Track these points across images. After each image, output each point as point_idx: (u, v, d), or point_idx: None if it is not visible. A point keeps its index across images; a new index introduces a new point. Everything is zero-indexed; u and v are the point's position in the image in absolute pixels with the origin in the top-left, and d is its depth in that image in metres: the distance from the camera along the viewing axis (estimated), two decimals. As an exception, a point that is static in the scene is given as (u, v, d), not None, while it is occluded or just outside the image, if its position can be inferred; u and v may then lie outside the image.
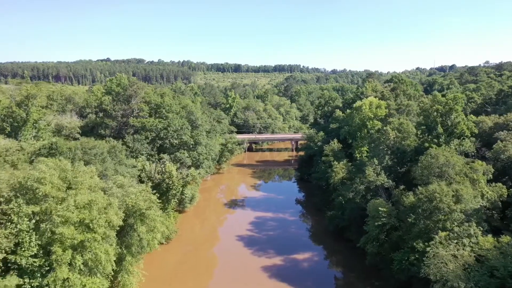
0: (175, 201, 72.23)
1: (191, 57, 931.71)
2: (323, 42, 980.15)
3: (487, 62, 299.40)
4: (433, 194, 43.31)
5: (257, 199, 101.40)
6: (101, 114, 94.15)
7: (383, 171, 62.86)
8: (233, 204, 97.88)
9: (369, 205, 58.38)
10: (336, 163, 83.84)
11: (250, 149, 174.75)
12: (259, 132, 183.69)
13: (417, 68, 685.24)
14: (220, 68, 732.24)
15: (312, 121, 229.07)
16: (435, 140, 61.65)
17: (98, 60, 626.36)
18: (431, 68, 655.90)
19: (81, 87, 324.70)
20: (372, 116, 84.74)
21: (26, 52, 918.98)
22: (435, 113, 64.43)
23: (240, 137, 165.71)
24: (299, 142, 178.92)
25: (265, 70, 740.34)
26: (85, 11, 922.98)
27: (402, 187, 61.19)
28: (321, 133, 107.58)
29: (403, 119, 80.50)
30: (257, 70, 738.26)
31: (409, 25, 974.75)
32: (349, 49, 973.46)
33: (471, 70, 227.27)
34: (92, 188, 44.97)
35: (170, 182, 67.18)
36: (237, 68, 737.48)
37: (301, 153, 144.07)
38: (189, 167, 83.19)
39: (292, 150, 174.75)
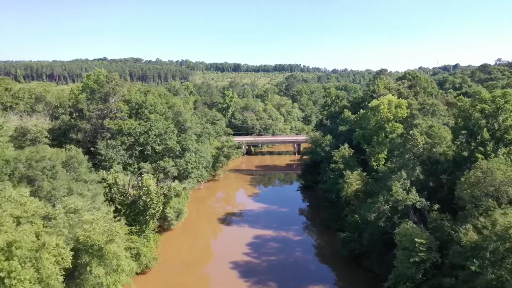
0: (155, 222, 59.24)
1: (190, 57, 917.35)
2: (324, 41, 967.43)
3: (499, 59, 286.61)
4: (508, 231, 30.35)
5: (256, 212, 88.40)
6: (76, 115, 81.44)
7: (414, 187, 49.93)
8: (229, 218, 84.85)
9: (399, 232, 45.49)
10: (349, 172, 71.02)
11: (248, 153, 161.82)
12: (259, 134, 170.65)
13: (420, 68, 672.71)
14: (219, 68, 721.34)
15: (314, 122, 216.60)
16: (481, 149, 48.63)
17: (94, 60, 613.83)
18: (434, 68, 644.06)
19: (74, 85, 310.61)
20: (392, 117, 71.81)
21: (21, 51, 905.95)
22: (477, 114, 51.46)
23: (237, 139, 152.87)
24: (302, 144, 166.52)
25: (265, 69, 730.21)
26: (82, 9, 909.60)
27: (436, 206, 48.39)
28: (329, 136, 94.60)
29: (429, 120, 67.65)
30: (256, 69, 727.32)
31: (410, 25, 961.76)
32: (350, 49, 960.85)
33: (483, 68, 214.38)
34: (23, 219, 31.99)
35: (148, 200, 54.21)
36: (236, 68, 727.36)
37: (304, 157, 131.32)
38: (175, 178, 70.21)
39: (294, 154, 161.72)
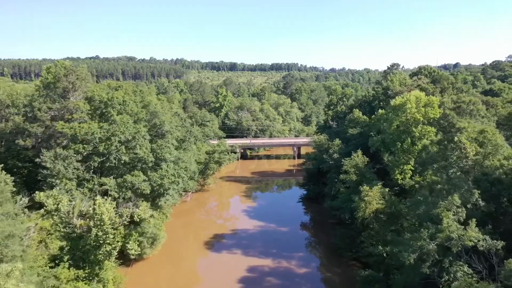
0: (111, 262, 44.17)
1: (185, 55, 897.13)
2: (321, 40, 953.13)
3: (510, 56, 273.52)
4: None
5: (251, 233, 73.56)
6: (30, 116, 66.31)
7: (473, 219, 35.29)
8: (218, 242, 69.80)
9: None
10: (367, 188, 56.47)
11: (244, 156, 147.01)
12: (255, 136, 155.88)
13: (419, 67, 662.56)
14: (215, 67, 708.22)
15: (315, 122, 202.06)
16: None
17: (86, 58, 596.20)
18: (434, 66, 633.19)
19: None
20: (421, 118, 57.13)
21: (10, 49, 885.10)
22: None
23: (231, 142, 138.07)
24: (302, 147, 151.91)
25: (261, 68, 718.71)
26: (75, 7, 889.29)
27: (499, 244, 33.89)
28: (337, 141, 79.91)
29: (471, 123, 53.12)
30: (253, 68, 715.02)
31: (409, 24, 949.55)
32: (348, 48, 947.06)
33: (495, 65, 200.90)
34: None
35: (101, 233, 39.22)
36: (232, 67, 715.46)
37: (304, 160, 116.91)
38: (147, 196, 55.15)
39: (294, 158, 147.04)
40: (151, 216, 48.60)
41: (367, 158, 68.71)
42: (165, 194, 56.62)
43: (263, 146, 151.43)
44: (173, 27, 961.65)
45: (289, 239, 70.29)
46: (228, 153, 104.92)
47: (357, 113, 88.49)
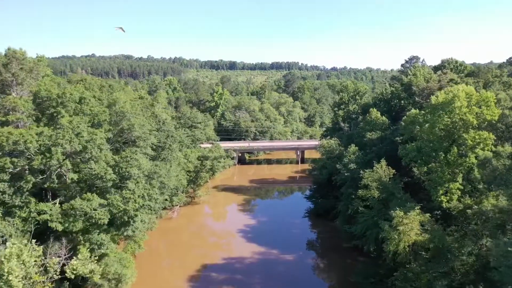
0: None
1: (184, 54, 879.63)
2: (322, 38, 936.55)
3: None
4: None
5: (247, 264, 59.06)
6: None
7: None
8: (205, 276, 55.26)
9: None
10: (400, 213, 42.28)
11: (241, 161, 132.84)
12: (254, 139, 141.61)
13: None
14: (214, 65, 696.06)
15: (319, 123, 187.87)
16: None
17: (82, 56, 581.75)
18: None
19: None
20: (474, 121, 42.71)
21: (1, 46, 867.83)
22: None
23: (228, 145, 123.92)
24: (306, 151, 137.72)
25: (261, 67, 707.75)
26: (70, 5, 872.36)
27: None
28: (353, 147, 65.57)
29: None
30: (253, 67, 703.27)
31: (410, 23, 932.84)
32: (349, 47, 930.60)
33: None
34: None
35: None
36: (232, 66, 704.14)
37: (309, 165, 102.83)
38: (107, 226, 40.81)
39: (297, 162, 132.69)
40: (92, 272, 34.19)
41: (393, 170, 54.70)
42: (131, 223, 42.27)
43: (263, 149, 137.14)
44: (171, 24, 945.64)
45: (295, 272, 55.83)
46: (223, 158, 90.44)
47: (375, 113, 74.27)
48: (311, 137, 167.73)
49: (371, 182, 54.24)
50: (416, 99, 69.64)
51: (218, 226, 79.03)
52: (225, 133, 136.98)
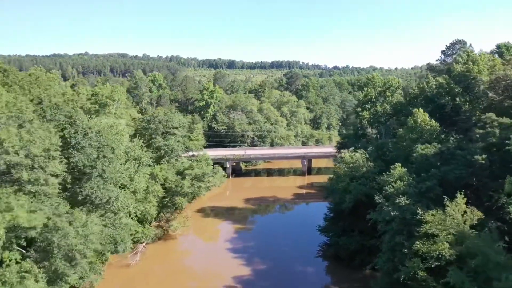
0: None
1: (181, 53, 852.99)
2: (324, 37, 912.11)
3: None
4: None
5: None
6: None
7: None
8: None
9: None
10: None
11: (236, 171, 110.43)
12: (252, 145, 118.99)
13: (428, 64, 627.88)
14: (213, 64, 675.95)
15: (325, 125, 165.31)
16: None
17: (74, 54, 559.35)
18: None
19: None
20: None
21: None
22: None
23: (219, 154, 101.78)
24: (313, 159, 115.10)
25: (261, 66, 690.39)
26: (66, 2, 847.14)
27: None
28: (400, 168, 42.75)
29: None
30: (252, 66, 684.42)
31: (415, 20, 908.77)
32: (351, 45, 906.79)
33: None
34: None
35: None
36: (231, 64, 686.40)
37: (319, 181, 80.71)
38: None
39: (304, 173, 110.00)
40: None
41: (479, 213, 32.60)
42: None
43: (262, 159, 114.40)
44: (168, 22, 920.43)
45: None
46: (209, 176, 67.21)
47: (422, 115, 51.92)
48: (317, 142, 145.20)
49: (440, 232, 32.13)
50: (490, 94, 47.07)
51: (201, 266, 56.39)
52: (216, 139, 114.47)
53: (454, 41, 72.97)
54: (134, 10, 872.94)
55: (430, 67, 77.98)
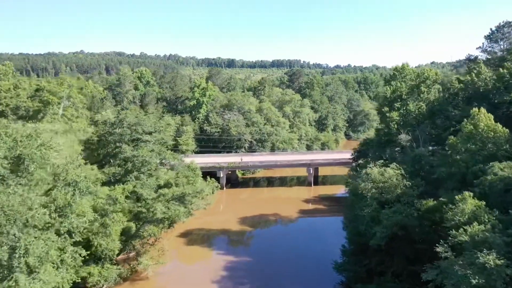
0: None
1: (180, 51, 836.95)
2: (325, 35, 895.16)
3: None
4: None
5: None
6: None
7: None
8: None
9: None
10: None
11: (232, 181, 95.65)
12: (250, 150, 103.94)
13: (432, 63, 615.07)
14: (212, 63, 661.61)
15: (332, 127, 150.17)
16: None
17: (69, 53, 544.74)
18: (447, 62, 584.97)
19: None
20: None
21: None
22: None
23: (210, 161, 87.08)
24: (321, 167, 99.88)
25: (261, 65, 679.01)
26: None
27: None
28: (472, 200, 27.54)
29: None
30: (252, 65, 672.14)
31: (418, 18, 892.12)
32: (353, 43, 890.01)
33: None
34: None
35: None
36: (230, 63, 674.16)
37: (321, 190, 66.08)
38: None
39: (310, 184, 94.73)
40: None
41: None
42: None
43: (261, 167, 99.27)
44: (166, 20, 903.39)
45: None
46: (195, 196, 51.64)
47: (486, 118, 36.96)
48: (323, 146, 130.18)
49: None
50: None
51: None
52: (209, 143, 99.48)
53: (503, 23, 57.69)
54: (132, 8, 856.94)
55: (468, 59, 62.27)
